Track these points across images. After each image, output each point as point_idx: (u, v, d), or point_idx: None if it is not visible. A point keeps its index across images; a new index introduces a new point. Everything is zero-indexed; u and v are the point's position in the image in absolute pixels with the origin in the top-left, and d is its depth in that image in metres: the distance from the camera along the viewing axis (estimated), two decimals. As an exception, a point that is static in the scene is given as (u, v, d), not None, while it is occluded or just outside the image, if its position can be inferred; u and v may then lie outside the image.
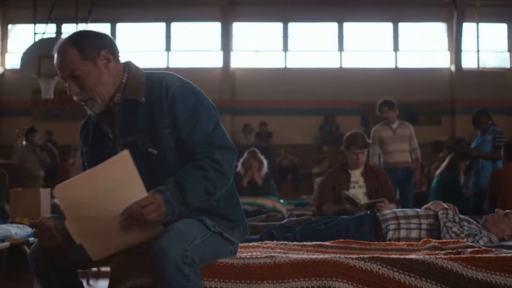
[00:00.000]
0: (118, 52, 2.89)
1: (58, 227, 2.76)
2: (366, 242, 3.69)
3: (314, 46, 17.94)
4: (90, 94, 2.81)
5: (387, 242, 3.89)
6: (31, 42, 12.13)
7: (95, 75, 2.79)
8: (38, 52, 11.13)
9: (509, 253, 3.12)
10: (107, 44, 2.85)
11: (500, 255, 3.04)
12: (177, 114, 2.80)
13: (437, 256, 3.01)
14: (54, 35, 13.29)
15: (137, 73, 2.90)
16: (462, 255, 3.07)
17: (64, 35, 2.90)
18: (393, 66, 17.78)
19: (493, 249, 3.26)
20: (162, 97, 2.82)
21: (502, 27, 17.96)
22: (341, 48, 17.87)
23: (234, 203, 2.97)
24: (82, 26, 12.81)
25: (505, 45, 17.96)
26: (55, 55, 2.83)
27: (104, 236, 2.64)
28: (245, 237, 3.10)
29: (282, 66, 17.87)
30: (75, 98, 2.84)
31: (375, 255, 3.04)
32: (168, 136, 2.80)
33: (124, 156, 2.56)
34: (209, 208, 2.83)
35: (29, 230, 5.05)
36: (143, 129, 2.82)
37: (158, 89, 2.84)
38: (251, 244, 3.45)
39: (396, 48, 17.79)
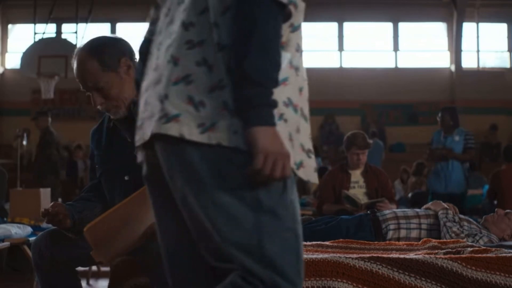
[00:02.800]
0: (135, 55, 2.90)
1: (68, 214, 2.84)
2: (366, 242, 3.69)
3: (314, 46, 17.95)
4: (115, 102, 2.83)
5: (387, 242, 3.90)
6: (31, 42, 12.14)
7: (118, 84, 2.81)
8: (38, 52, 11.14)
9: (509, 253, 3.12)
10: (125, 50, 2.86)
11: (500, 255, 3.04)
12: None
13: (436, 256, 3.01)
14: (54, 35, 13.32)
15: None
16: (462, 255, 3.07)
17: (81, 43, 2.91)
18: (393, 66, 17.79)
19: (493, 249, 3.26)
20: None
21: (502, 27, 17.97)
22: (341, 48, 17.88)
23: None
24: (82, 26, 12.83)
25: (505, 45, 17.97)
26: (74, 67, 2.83)
27: (119, 246, 2.68)
28: None
29: (282, 65, 17.88)
30: (99, 107, 2.85)
31: (375, 255, 3.03)
32: None
33: None
34: None
35: (29, 229, 5.06)
36: None
37: None
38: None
39: (396, 48, 17.79)
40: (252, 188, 1.75)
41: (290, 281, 1.77)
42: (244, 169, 1.73)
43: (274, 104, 1.72)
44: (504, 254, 3.04)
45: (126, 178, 2.89)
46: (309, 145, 1.89)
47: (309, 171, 1.87)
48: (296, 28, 1.85)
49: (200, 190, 1.76)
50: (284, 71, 1.80)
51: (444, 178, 7.99)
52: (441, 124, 8.17)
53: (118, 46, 2.86)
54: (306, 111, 1.91)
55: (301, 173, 1.84)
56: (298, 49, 1.87)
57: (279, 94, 1.78)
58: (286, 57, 1.81)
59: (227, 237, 1.75)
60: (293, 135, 1.83)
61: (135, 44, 2.95)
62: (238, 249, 1.75)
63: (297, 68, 1.86)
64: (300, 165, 1.84)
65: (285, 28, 1.81)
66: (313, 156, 1.90)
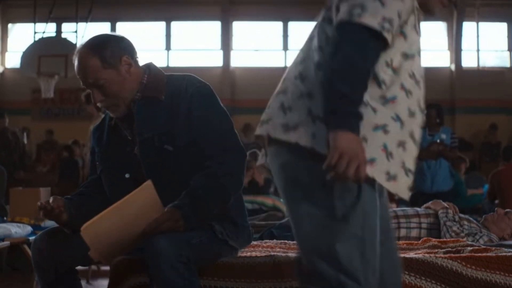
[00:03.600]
0: (136, 54, 2.90)
1: (65, 208, 2.83)
2: (366, 241, 3.67)
3: (314, 45, 17.93)
4: (115, 100, 2.83)
5: (387, 241, 3.89)
6: (31, 42, 12.15)
7: (118, 82, 2.81)
8: (38, 52, 11.16)
9: (509, 252, 3.12)
10: (127, 49, 2.87)
11: (500, 254, 3.03)
12: (193, 113, 2.83)
13: (436, 255, 3.01)
14: (54, 35, 13.32)
15: (158, 73, 2.94)
16: (461, 254, 3.06)
17: (82, 41, 2.92)
18: (393, 65, 17.75)
19: (493, 248, 3.26)
20: (182, 95, 2.85)
21: (502, 26, 17.95)
22: (341, 47, 17.86)
23: (241, 207, 3.00)
24: (82, 26, 12.83)
25: (505, 45, 17.94)
26: (76, 63, 2.83)
27: (117, 246, 2.68)
28: (249, 244, 3.12)
29: (282, 65, 17.84)
30: (99, 105, 2.86)
31: (375, 254, 3.03)
32: (184, 134, 2.82)
33: (148, 186, 2.58)
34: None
35: (29, 229, 5.05)
36: (160, 127, 2.84)
37: (178, 88, 2.87)
38: (251, 243, 3.45)
39: (396, 47, 17.76)
40: (327, 195, 1.99)
41: (358, 282, 1.99)
42: (322, 177, 1.96)
43: (356, 114, 1.95)
44: (504, 254, 3.04)
45: (126, 176, 2.89)
46: (411, 165, 2.09)
47: (401, 187, 2.07)
48: (409, 57, 2.16)
49: (286, 192, 2.09)
50: (394, 91, 2.09)
51: (431, 177, 7.77)
52: (427, 121, 7.97)
53: (120, 44, 2.87)
54: (417, 135, 2.13)
55: (389, 186, 2.04)
56: (412, 76, 2.16)
57: (388, 110, 2.05)
58: (397, 80, 2.11)
59: (302, 236, 2.07)
60: (391, 147, 2.03)
61: (135, 43, 2.96)
62: (311, 249, 2.03)
63: (408, 91, 2.12)
64: (393, 178, 2.03)
65: (398, 55, 2.12)
66: (411, 176, 2.09)
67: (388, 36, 2.07)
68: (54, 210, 2.80)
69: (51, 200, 2.83)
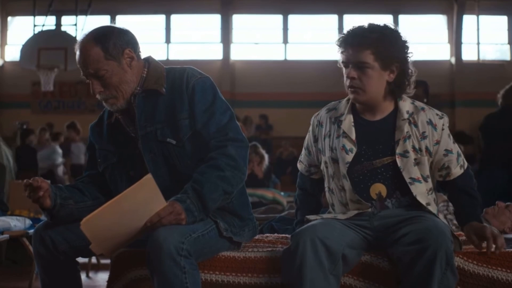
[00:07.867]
0: (139, 48, 2.89)
1: (51, 195, 2.79)
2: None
3: (314, 38, 17.92)
4: (113, 92, 2.81)
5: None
6: (30, 34, 12.14)
7: (119, 74, 2.80)
8: (37, 44, 11.14)
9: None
10: (130, 42, 2.85)
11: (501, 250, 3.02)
12: (195, 105, 2.82)
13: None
14: (53, 27, 13.29)
15: (157, 66, 2.93)
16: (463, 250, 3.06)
17: (85, 31, 2.89)
18: (393, 58, 17.72)
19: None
20: (183, 88, 2.84)
21: (503, 20, 17.94)
22: (341, 41, 17.82)
23: (245, 199, 2.99)
24: (82, 19, 12.81)
25: (505, 38, 17.94)
26: (78, 52, 2.81)
27: (118, 239, 2.67)
28: (255, 236, 3.12)
29: (282, 58, 17.85)
30: (98, 96, 2.84)
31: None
32: (186, 126, 2.81)
33: (148, 179, 2.57)
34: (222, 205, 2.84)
35: (28, 222, 5.05)
36: (162, 120, 2.83)
37: (179, 81, 2.86)
38: (256, 236, 3.44)
39: (396, 40, 17.73)
40: None
41: None
42: None
43: None
44: (506, 250, 3.03)
45: (131, 173, 2.87)
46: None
47: None
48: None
49: None
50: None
51: None
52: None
53: (124, 36, 2.85)
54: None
55: None
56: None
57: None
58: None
59: None
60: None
61: (136, 37, 2.94)
62: None
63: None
64: None
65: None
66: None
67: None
68: (39, 190, 2.76)
69: (32, 179, 2.78)
